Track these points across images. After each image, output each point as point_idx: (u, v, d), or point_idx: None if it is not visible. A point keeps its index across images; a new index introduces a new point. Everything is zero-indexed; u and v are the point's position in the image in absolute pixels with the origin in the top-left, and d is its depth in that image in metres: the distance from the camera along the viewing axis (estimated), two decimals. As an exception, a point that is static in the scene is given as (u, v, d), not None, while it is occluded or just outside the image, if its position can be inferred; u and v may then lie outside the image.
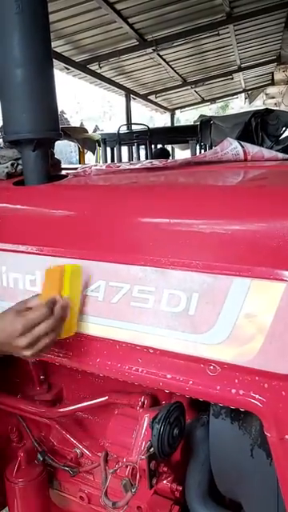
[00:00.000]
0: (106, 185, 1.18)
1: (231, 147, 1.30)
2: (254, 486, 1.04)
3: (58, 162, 1.50)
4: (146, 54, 10.11)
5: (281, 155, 1.35)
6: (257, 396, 0.88)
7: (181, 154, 12.04)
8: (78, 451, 1.42)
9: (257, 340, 0.86)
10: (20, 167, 1.35)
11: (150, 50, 9.79)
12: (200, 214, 0.96)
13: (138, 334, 1.01)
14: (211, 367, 0.92)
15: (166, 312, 0.96)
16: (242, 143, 1.32)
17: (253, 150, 1.31)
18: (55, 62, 8.69)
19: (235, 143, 1.31)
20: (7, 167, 1.36)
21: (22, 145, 1.22)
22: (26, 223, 1.17)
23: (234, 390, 0.90)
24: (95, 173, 1.36)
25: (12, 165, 1.36)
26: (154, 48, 9.66)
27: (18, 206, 1.20)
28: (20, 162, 1.35)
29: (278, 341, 0.85)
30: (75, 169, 1.45)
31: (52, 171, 1.32)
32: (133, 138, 8.34)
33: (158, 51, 10.00)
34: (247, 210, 0.92)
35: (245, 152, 1.30)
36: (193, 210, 0.98)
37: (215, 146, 1.36)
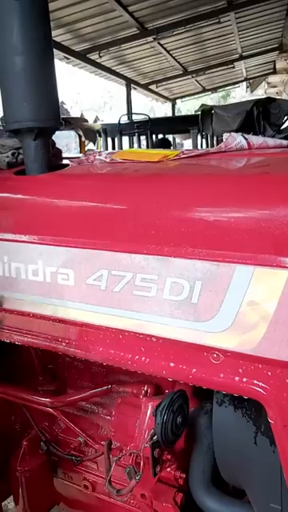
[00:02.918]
0: (107, 173, 1.17)
1: (235, 142, 1.29)
2: (257, 473, 1.04)
3: (59, 151, 1.49)
4: (147, 42, 10.05)
5: (286, 142, 1.33)
6: (260, 383, 0.88)
7: (182, 143, 11.99)
8: (81, 440, 1.42)
9: (260, 328, 0.86)
10: (21, 157, 1.34)
11: (150, 38, 9.73)
12: (203, 202, 0.96)
13: (141, 323, 1.01)
14: (214, 355, 0.92)
15: (169, 300, 0.96)
16: (246, 136, 1.30)
17: (257, 141, 1.29)
18: (55, 51, 8.65)
19: (239, 137, 1.29)
20: (8, 157, 1.35)
21: (22, 134, 1.21)
22: (28, 213, 1.17)
23: (237, 378, 0.90)
24: (99, 161, 1.35)
25: (13, 154, 1.35)
26: (154, 37, 9.60)
27: (20, 196, 1.20)
28: (21, 151, 1.34)
29: (281, 328, 0.84)
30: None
31: (53, 161, 1.32)
32: (133, 127, 8.30)
33: (158, 40, 9.94)
34: (250, 197, 0.91)
35: (248, 143, 1.28)
36: (195, 198, 0.97)
37: (217, 135, 1.34)
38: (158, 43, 10.30)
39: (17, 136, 1.25)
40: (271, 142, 1.32)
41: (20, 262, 1.16)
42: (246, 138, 1.28)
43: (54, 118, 1.20)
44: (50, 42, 1.21)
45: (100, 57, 10.10)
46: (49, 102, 1.20)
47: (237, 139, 1.29)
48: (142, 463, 1.08)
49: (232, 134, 1.31)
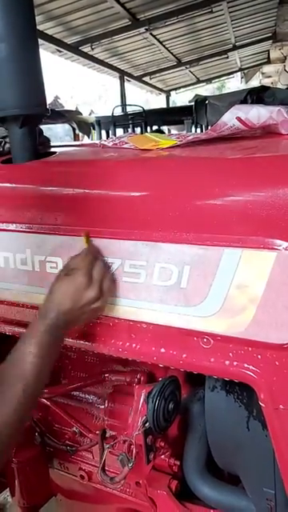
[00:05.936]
0: (93, 159, 1.15)
1: (227, 126, 1.21)
2: (250, 457, 1.04)
3: (47, 140, 1.48)
4: (139, 33, 9.98)
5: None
6: (251, 367, 0.87)
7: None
8: (76, 430, 1.42)
9: (249, 310, 0.85)
10: (8, 145, 1.33)
11: (142, 29, 9.66)
12: (190, 187, 0.95)
13: (131, 310, 1.00)
14: (204, 340, 0.92)
15: (158, 286, 0.95)
16: (243, 117, 1.18)
17: (259, 120, 1.16)
18: (47, 44, 8.60)
19: (232, 121, 1.19)
20: (-5, 146, 1.33)
21: (8, 122, 1.19)
22: (15, 201, 1.16)
23: (227, 362, 0.89)
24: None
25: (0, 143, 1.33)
26: (146, 27, 9.54)
27: (6, 185, 1.18)
28: (8, 140, 1.32)
29: (270, 310, 0.83)
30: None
31: (41, 149, 1.30)
32: (128, 119, 8.26)
33: (150, 31, 9.87)
34: (237, 180, 0.90)
35: (246, 125, 1.19)
36: (182, 182, 0.96)
37: (211, 126, 1.27)
38: (151, 34, 10.23)
39: (3, 124, 1.23)
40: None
41: (8, 252, 1.15)
42: (241, 120, 1.19)
43: (39, 104, 1.18)
44: (34, 28, 1.19)
45: (92, 49, 10.03)
46: (34, 89, 1.18)
47: (228, 123, 1.21)
48: (134, 451, 1.08)
49: (223, 118, 1.23)
